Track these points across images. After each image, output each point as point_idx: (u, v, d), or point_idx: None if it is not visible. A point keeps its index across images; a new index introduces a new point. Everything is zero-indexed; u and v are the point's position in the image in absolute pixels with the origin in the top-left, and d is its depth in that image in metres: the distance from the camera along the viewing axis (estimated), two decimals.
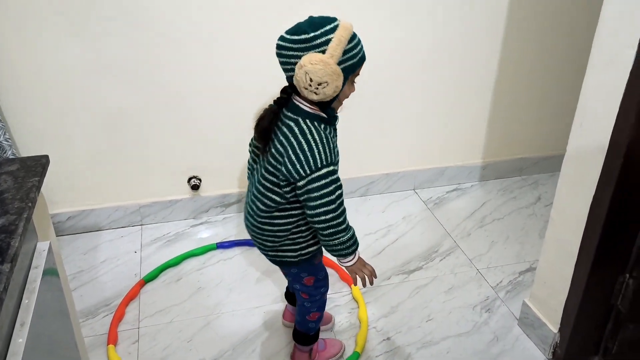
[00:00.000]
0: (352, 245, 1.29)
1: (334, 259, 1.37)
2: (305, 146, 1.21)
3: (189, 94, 2.05)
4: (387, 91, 2.23)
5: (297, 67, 1.17)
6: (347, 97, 1.27)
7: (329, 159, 1.22)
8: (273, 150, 1.27)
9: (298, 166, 1.22)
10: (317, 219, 1.24)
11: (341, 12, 2.01)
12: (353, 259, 1.32)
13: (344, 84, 1.20)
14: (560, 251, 1.52)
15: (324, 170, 1.21)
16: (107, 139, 2.06)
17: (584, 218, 1.41)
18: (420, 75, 2.24)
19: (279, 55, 1.21)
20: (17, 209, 0.92)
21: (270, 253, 1.41)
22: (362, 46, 1.22)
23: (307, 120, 1.23)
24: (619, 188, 1.30)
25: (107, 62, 1.92)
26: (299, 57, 1.16)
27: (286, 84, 1.27)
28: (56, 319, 1.08)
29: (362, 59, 1.23)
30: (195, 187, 2.21)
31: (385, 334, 1.72)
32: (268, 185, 1.30)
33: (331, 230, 1.25)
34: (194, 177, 2.21)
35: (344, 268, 1.35)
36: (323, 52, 1.15)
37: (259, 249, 1.43)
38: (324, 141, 1.22)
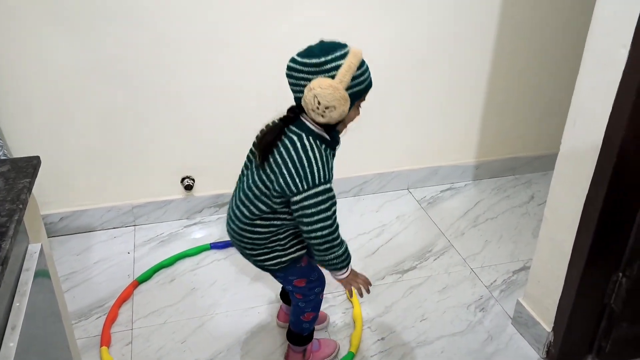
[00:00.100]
0: (346, 258, 1.33)
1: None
2: (305, 162, 1.24)
3: (183, 94, 2.04)
4: (380, 91, 2.22)
5: (306, 90, 1.20)
6: (352, 120, 1.31)
7: (326, 177, 1.25)
8: (271, 160, 1.28)
9: (297, 180, 1.24)
10: (313, 234, 1.27)
11: (334, 10, 2.02)
12: (347, 271, 1.35)
13: (350, 108, 1.23)
14: (554, 250, 1.52)
15: (321, 188, 1.24)
16: (99, 139, 2.05)
17: (578, 217, 1.41)
18: (413, 74, 2.24)
19: (289, 76, 1.25)
20: (8, 210, 0.91)
21: (251, 259, 1.42)
22: (369, 73, 1.26)
23: (311, 138, 1.26)
24: (613, 187, 1.30)
25: (100, 61, 1.91)
26: (309, 80, 1.20)
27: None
28: (48, 321, 1.07)
29: (369, 86, 1.27)
30: (188, 188, 2.20)
31: (379, 334, 1.72)
32: (257, 193, 1.32)
33: (327, 245, 1.28)
34: (188, 177, 2.20)
35: (338, 281, 1.38)
36: (332, 77, 1.19)
37: (240, 253, 1.45)
38: (324, 159, 1.26)
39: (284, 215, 1.33)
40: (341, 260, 1.32)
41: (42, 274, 1.03)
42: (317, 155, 1.25)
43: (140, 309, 1.81)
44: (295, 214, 1.28)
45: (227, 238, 2.13)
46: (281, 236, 1.37)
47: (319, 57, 1.19)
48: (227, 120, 2.13)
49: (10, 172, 1.02)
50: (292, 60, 1.24)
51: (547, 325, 1.59)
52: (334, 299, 1.85)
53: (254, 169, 1.35)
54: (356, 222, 2.26)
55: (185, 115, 2.08)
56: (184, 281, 1.94)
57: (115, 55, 1.91)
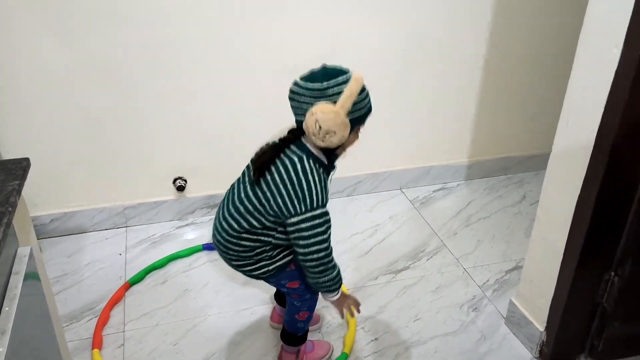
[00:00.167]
0: (339, 280, 1.36)
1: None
2: (304, 185, 1.26)
3: (175, 95, 2.02)
4: (372, 91, 2.22)
5: (308, 114, 1.22)
6: (352, 145, 1.34)
7: (324, 200, 1.28)
8: (268, 177, 1.30)
9: (295, 202, 1.26)
10: (309, 257, 1.29)
11: (324, 10, 2.01)
12: (338, 293, 1.38)
13: (350, 133, 1.25)
14: (547, 250, 1.53)
15: (319, 211, 1.27)
16: (90, 140, 2.03)
17: (570, 216, 1.41)
18: (405, 74, 2.24)
19: (291, 99, 1.27)
20: None
21: (238, 269, 1.43)
22: (369, 98, 1.29)
23: (311, 160, 1.28)
24: (605, 187, 1.31)
25: (91, 62, 1.89)
26: (311, 104, 1.22)
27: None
28: (38, 324, 1.06)
29: (369, 111, 1.30)
30: (180, 188, 2.19)
31: (373, 335, 1.71)
32: (250, 208, 1.32)
33: (322, 268, 1.31)
34: (179, 178, 2.19)
35: (330, 302, 1.41)
36: (334, 102, 1.21)
37: (227, 264, 1.45)
38: (323, 183, 1.28)
39: (272, 232, 1.35)
40: (334, 282, 1.34)
41: (32, 277, 1.02)
42: (317, 178, 1.27)
43: (132, 311, 1.80)
44: (292, 236, 1.30)
45: None
46: (267, 248, 1.38)
47: (322, 82, 1.22)
48: (219, 121, 2.12)
49: None
50: (295, 84, 1.26)
51: (540, 325, 1.60)
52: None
53: (247, 183, 1.35)
54: (349, 222, 2.26)
55: (178, 115, 2.07)
56: (176, 283, 1.92)
57: (106, 55, 1.89)
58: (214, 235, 1.43)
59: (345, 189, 2.42)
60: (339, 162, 1.38)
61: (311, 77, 1.24)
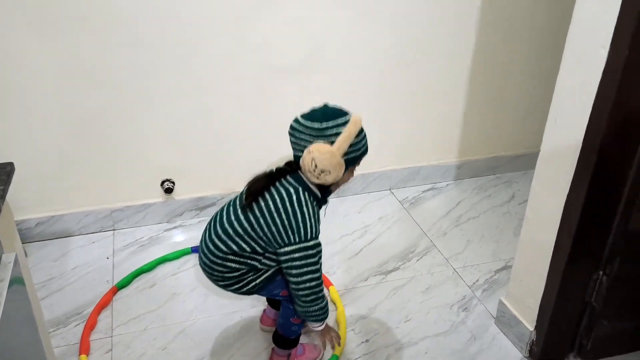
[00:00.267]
0: (326, 311, 1.41)
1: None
2: (299, 216, 1.30)
3: (161, 96, 2.01)
4: (360, 91, 2.23)
5: (305, 151, 1.27)
6: (346, 182, 1.39)
7: (317, 233, 1.33)
8: (261, 203, 1.33)
9: (290, 233, 1.31)
10: (302, 285, 1.33)
11: (311, 10, 2.00)
12: (324, 323, 1.43)
13: (345, 171, 1.31)
14: (536, 250, 1.53)
15: (312, 242, 1.32)
16: (76, 142, 2.01)
17: (559, 216, 1.42)
18: (394, 74, 2.24)
19: (291, 134, 1.32)
20: None
21: (226, 289, 1.44)
22: (366, 140, 1.34)
23: (306, 193, 1.33)
24: (593, 186, 1.32)
25: (74, 63, 1.87)
26: (310, 142, 1.27)
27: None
28: (23, 331, 1.04)
29: (365, 152, 1.35)
30: (168, 191, 2.17)
31: (363, 336, 1.71)
32: (240, 231, 1.34)
33: (313, 297, 1.35)
34: (167, 180, 2.17)
35: (315, 331, 1.46)
36: (332, 142, 1.26)
37: (214, 284, 1.46)
38: (316, 216, 1.34)
39: (260, 256, 1.37)
40: (323, 312, 1.39)
41: (16, 282, 1.00)
42: (311, 211, 1.32)
43: (120, 316, 1.78)
44: (284, 264, 1.33)
45: None
46: (252, 270, 1.40)
47: (321, 123, 1.26)
48: (207, 122, 2.10)
49: None
50: (296, 120, 1.31)
51: (530, 324, 1.60)
52: None
53: (237, 207, 1.38)
54: (339, 223, 2.25)
55: (164, 117, 2.05)
56: (165, 286, 1.91)
57: (90, 56, 1.87)
58: (200, 258, 1.45)
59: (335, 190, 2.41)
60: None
61: (311, 115, 1.29)
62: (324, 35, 2.07)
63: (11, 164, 1.04)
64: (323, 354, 1.63)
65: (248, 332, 1.71)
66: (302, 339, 1.64)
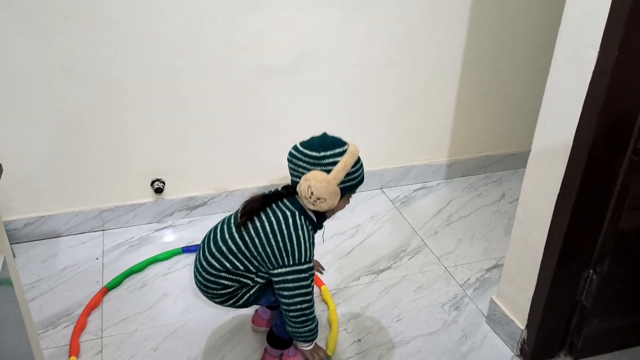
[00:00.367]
0: (316, 332, 1.44)
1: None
2: (294, 240, 1.33)
3: (151, 95, 1.99)
4: (351, 90, 2.22)
5: (302, 179, 1.30)
6: (341, 209, 1.42)
7: (311, 257, 1.35)
8: (257, 224, 1.34)
9: (284, 255, 1.33)
10: (293, 307, 1.36)
11: (304, 10, 2.00)
12: (312, 344, 1.47)
13: (340, 198, 1.33)
14: (526, 248, 1.54)
15: (305, 266, 1.34)
16: (65, 141, 1.99)
17: (550, 215, 1.42)
18: (384, 74, 2.24)
19: (289, 161, 1.36)
20: None
21: (223, 305, 1.44)
22: (363, 170, 1.38)
23: (302, 217, 1.35)
24: (583, 186, 1.32)
25: (63, 61, 1.85)
26: (307, 169, 1.31)
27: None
28: (11, 333, 1.03)
29: (361, 181, 1.38)
30: (158, 190, 2.15)
31: (355, 336, 1.71)
32: (234, 249, 1.35)
33: (304, 318, 1.38)
34: (158, 179, 2.16)
35: (304, 350, 1.49)
36: (328, 171, 1.29)
37: (210, 300, 1.46)
38: (311, 240, 1.36)
39: (252, 275, 1.38)
40: (313, 333, 1.42)
41: (5, 284, 0.99)
42: (306, 235, 1.34)
43: (110, 317, 1.76)
44: (276, 285, 1.35)
45: (199, 241, 2.10)
46: (244, 287, 1.40)
47: (319, 152, 1.29)
48: (197, 121, 2.09)
49: None
50: (295, 148, 1.34)
51: (521, 323, 1.61)
52: None
53: (232, 226, 1.39)
54: (331, 222, 2.21)
55: (154, 115, 2.04)
56: (155, 287, 1.89)
57: (78, 55, 1.85)
58: (195, 277, 1.45)
59: None
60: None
61: (310, 144, 1.32)
62: (314, 35, 2.06)
63: None
64: None
65: (240, 333, 1.71)
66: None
